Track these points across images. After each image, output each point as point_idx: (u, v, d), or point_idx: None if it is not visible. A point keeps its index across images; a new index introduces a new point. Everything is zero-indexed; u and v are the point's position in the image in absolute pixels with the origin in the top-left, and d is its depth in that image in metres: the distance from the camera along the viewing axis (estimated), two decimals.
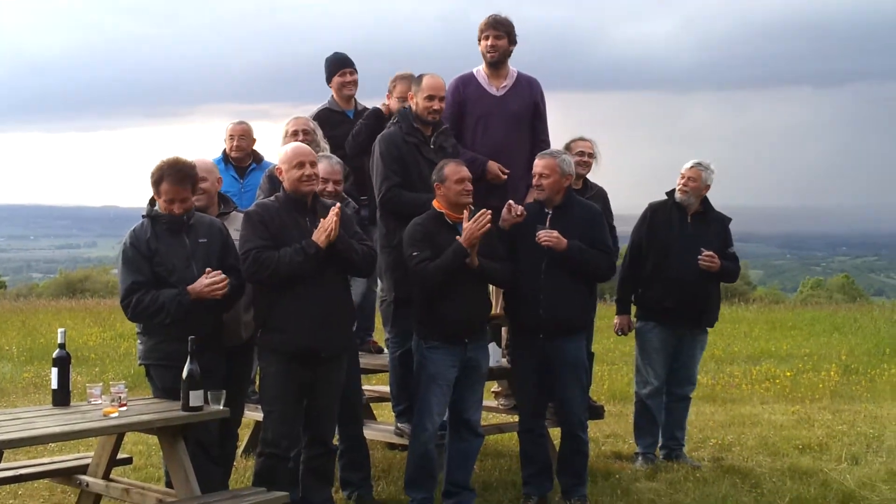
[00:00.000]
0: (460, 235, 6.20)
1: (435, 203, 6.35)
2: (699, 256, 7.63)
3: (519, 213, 6.60)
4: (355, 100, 8.29)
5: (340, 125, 7.96)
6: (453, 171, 6.28)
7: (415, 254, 6.20)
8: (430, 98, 6.69)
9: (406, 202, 6.57)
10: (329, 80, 8.28)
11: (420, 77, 6.79)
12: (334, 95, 8.26)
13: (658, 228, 7.83)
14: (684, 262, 7.65)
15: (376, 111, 7.72)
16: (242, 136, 8.34)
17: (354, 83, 8.24)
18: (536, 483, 6.79)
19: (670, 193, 7.88)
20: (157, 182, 5.75)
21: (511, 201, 6.69)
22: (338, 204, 5.81)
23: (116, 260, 5.92)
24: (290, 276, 5.72)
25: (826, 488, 7.12)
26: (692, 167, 7.80)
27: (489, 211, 6.18)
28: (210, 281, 5.63)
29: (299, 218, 5.87)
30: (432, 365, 6.30)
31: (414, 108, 6.78)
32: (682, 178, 7.79)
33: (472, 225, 6.12)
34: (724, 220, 7.98)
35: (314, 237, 5.73)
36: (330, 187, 6.49)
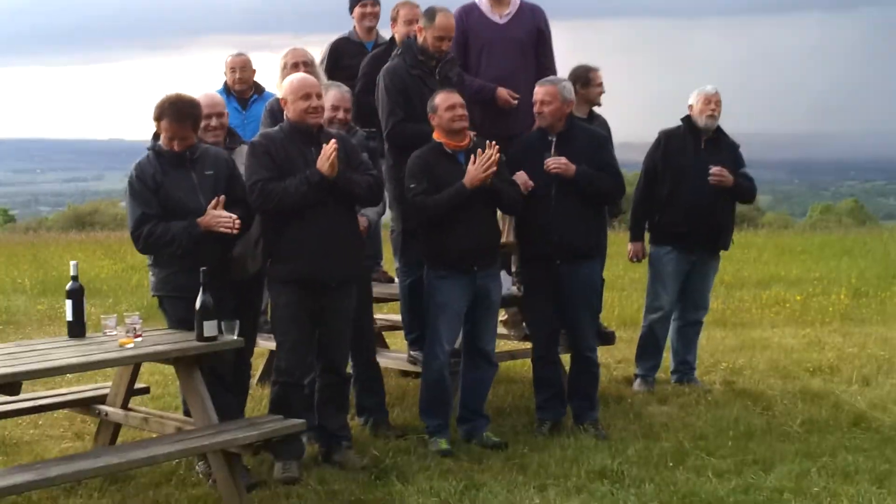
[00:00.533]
0: (460, 164, 6.21)
1: (434, 134, 6.33)
2: (709, 173, 7.61)
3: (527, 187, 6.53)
4: (377, 31, 8.20)
5: (357, 56, 7.86)
6: (443, 99, 6.25)
7: (412, 186, 6.21)
8: (440, 38, 6.63)
9: (410, 135, 6.54)
10: (351, 10, 8.21)
11: (432, 12, 6.66)
12: (355, 26, 8.18)
13: (672, 154, 7.79)
14: (699, 186, 7.64)
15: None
16: (244, 68, 8.29)
17: (375, 15, 8.14)
18: (550, 408, 6.85)
19: (686, 119, 7.84)
20: (157, 118, 5.73)
21: (523, 174, 6.57)
22: (333, 140, 5.75)
23: (124, 193, 5.91)
24: (296, 205, 5.73)
25: (837, 410, 7.17)
26: (716, 92, 7.80)
27: (496, 150, 6.15)
28: (216, 213, 5.63)
29: (304, 148, 5.84)
30: (440, 294, 6.33)
31: (420, 41, 6.70)
32: (710, 102, 7.74)
33: (478, 168, 6.11)
34: (734, 145, 7.96)
35: (317, 165, 5.71)
36: (340, 115, 6.45)
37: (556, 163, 6.47)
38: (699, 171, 7.65)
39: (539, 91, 6.64)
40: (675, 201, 7.74)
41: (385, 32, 8.19)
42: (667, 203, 7.79)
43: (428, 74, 6.66)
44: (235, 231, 5.65)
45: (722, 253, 8.12)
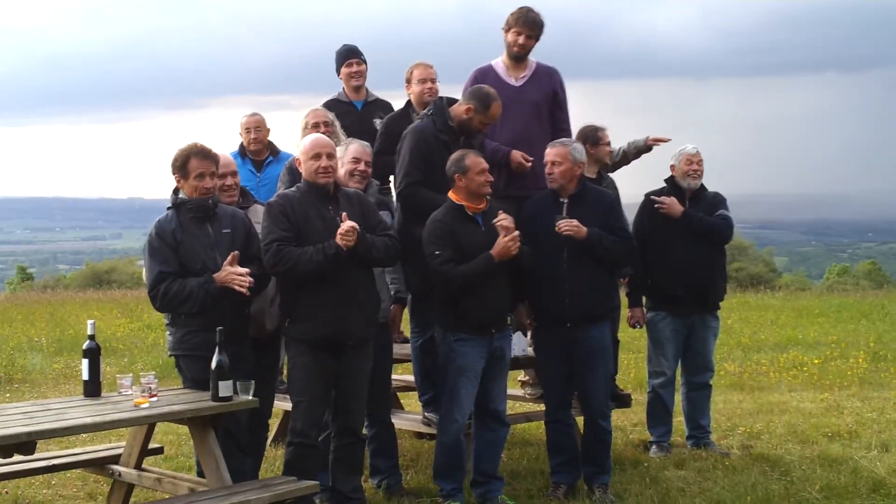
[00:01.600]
0: (480, 227, 6.24)
1: (452, 195, 6.33)
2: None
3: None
4: (367, 90, 8.29)
5: (347, 115, 7.94)
6: (475, 162, 6.26)
7: (437, 252, 6.17)
8: (486, 125, 6.70)
9: (423, 201, 6.52)
10: (338, 72, 8.32)
11: (487, 100, 6.60)
12: (344, 86, 8.28)
13: (659, 217, 7.77)
14: (688, 246, 7.66)
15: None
16: (258, 128, 8.40)
17: (361, 74, 8.24)
18: (564, 472, 6.79)
19: (669, 181, 7.88)
20: (183, 164, 5.84)
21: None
22: (349, 223, 5.76)
23: (143, 251, 5.97)
24: (309, 274, 5.75)
25: (856, 476, 7.08)
26: (697, 151, 7.85)
27: (517, 234, 6.18)
28: (232, 269, 5.67)
29: (321, 208, 5.89)
30: (461, 357, 6.29)
31: (464, 116, 6.63)
32: (692, 163, 7.78)
33: (508, 242, 6.13)
34: (717, 196, 7.96)
35: (336, 238, 5.73)
36: (361, 167, 6.51)
37: (567, 225, 6.48)
38: (686, 231, 7.68)
39: (550, 152, 6.68)
40: (666, 264, 7.72)
41: (384, 93, 8.36)
42: (658, 267, 7.77)
43: (454, 141, 6.65)
44: (246, 291, 5.69)
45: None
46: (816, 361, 13.21)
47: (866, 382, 11.89)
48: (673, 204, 7.31)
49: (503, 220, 6.18)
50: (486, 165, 6.28)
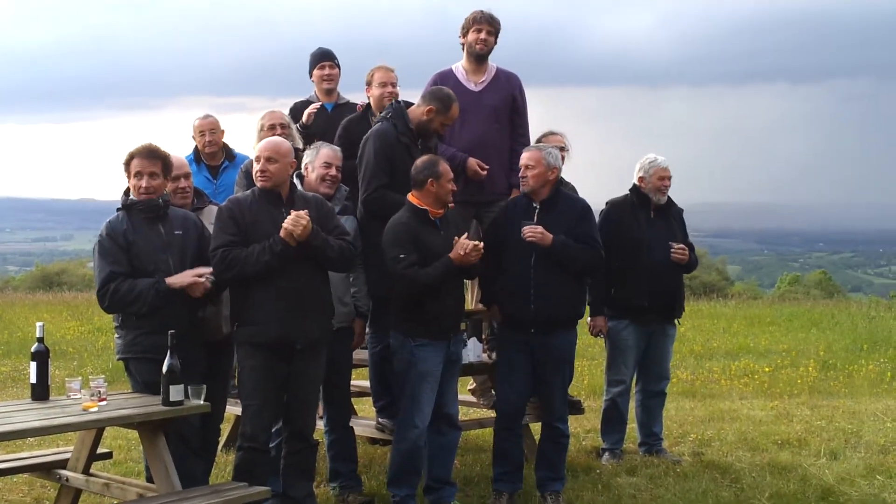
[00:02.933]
0: (440, 232, 6.24)
1: (414, 199, 6.30)
2: (671, 251, 7.66)
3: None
4: (338, 93, 8.27)
5: (317, 117, 7.92)
6: (447, 169, 6.29)
7: (402, 256, 6.14)
8: (444, 126, 6.72)
9: (391, 203, 6.49)
10: (311, 74, 8.29)
11: (448, 101, 6.65)
12: (315, 89, 8.25)
13: (625, 226, 7.77)
14: (654, 257, 7.67)
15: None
16: (213, 130, 8.23)
17: (332, 77, 8.22)
18: (508, 480, 6.78)
19: (634, 189, 7.85)
20: (127, 163, 5.82)
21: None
22: (305, 211, 5.74)
23: (93, 252, 5.90)
24: (258, 273, 5.70)
25: (805, 483, 7.16)
26: (668, 166, 7.81)
27: (479, 246, 6.18)
28: (189, 271, 5.66)
29: (273, 211, 5.83)
30: (423, 362, 6.26)
31: (424, 118, 6.65)
32: (663, 179, 7.76)
33: (471, 253, 6.13)
34: (680, 211, 8.02)
35: (281, 233, 5.70)
36: (332, 172, 6.51)
37: (532, 231, 6.46)
38: (653, 241, 7.70)
39: (524, 156, 6.68)
40: (632, 275, 7.68)
41: (347, 95, 8.32)
42: (623, 276, 7.70)
43: (413, 143, 6.65)
44: (207, 285, 5.66)
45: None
46: (767, 369, 13.35)
47: (816, 391, 12.03)
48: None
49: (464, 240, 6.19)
50: (451, 174, 6.31)
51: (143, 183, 5.76)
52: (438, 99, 6.66)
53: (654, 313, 7.80)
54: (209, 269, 5.73)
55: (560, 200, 6.72)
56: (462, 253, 6.11)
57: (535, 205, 6.65)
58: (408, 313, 6.30)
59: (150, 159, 5.78)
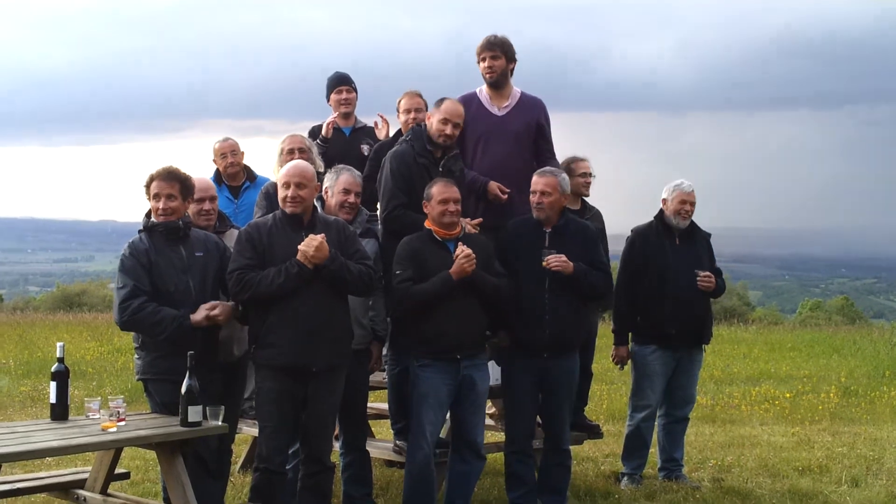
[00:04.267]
0: (450, 253, 6.23)
1: (426, 221, 6.36)
2: (698, 279, 7.63)
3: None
4: (355, 117, 8.31)
5: (334, 141, 7.97)
6: (438, 191, 6.29)
7: (398, 272, 6.20)
8: (445, 122, 6.68)
9: (410, 222, 6.54)
10: (328, 98, 8.33)
11: (441, 100, 6.78)
12: (333, 113, 8.29)
13: (650, 253, 7.73)
14: (681, 284, 7.62)
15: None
16: (234, 153, 8.33)
17: (349, 101, 8.26)
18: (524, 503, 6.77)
19: (659, 216, 7.83)
20: (147, 185, 5.86)
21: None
22: (322, 235, 5.76)
23: (115, 273, 5.92)
24: (272, 295, 5.72)
25: None
26: (692, 191, 7.78)
27: (471, 254, 6.17)
28: (211, 313, 5.71)
29: (293, 234, 5.84)
30: (423, 383, 6.27)
31: (428, 128, 6.77)
32: (685, 203, 7.72)
33: (463, 262, 6.12)
34: (706, 236, 7.98)
35: (298, 256, 5.72)
36: (351, 198, 6.52)
37: (557, 261, 6.48)
38: (680, 268, 7.66)
39: (539, 181, 6.67)
40: (659, 302, 7.64)
41: (364, 119, 8.37)
42: (650, 303, 7.69)
43: (433, 164, 6.69)
44: (221, 321, 5.72)
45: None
46: (788, 395, 13.26)
47: (837, 417, 11.94)
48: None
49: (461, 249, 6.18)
50: (450, 196, 6.27)
51: (161, 205, 5.79)
52: (435, 104, 6.77)
53: (682, 340, 7.75)
54: (221, 306, 5.76)
55: (570, 226, 6.73)
56: (464, 264, 6.10)
57: (545, 229, 6.65)
58: (412, 334, 6.32)
59: (169, 181, 5.81)
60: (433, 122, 6.72)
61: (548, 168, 6.89)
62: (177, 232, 5.82)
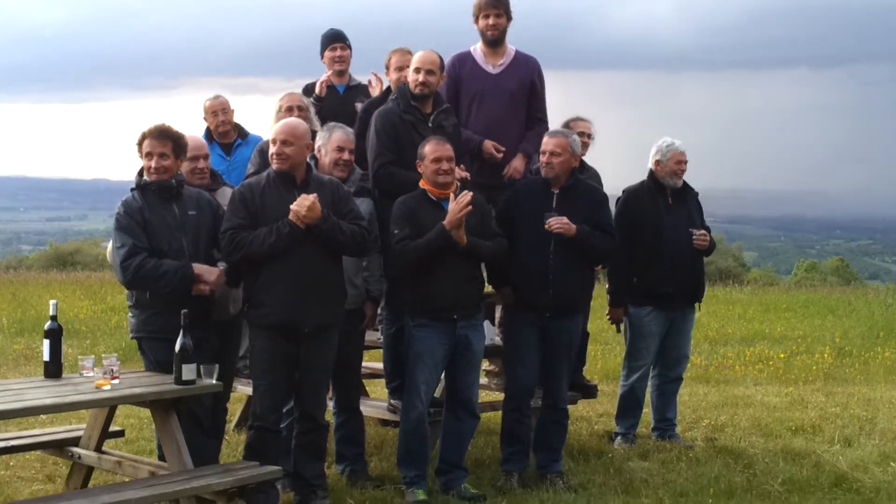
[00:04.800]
0: (445, 211, 6.19)
1: (420, 181, 6.32)
2: (693, 237, 7.61)
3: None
4: (350, 75, 8.24)
5: (328, 99, 7.92)
6: (431, 149, 6.25)
7: (395, 231, 6.18)
8: (417, 70, 6.62)
9: (399, 180, 6.52)
10: (322, 55, 8.26)
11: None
12: (327, 70, 8.22)
13: (644, 213, 7.72)
14: (677, 244, 7.62)
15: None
16: (224, 111, 8.25)
17: (344, 59, 8.18)
18: (516, 460, 6.81)
19: (650, 175, 7.80)
20: (139, 143, 5.81)
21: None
22: (314, 195, 5.73)
23: (110, 231, 5.90)
24: (264, 255, 5.71)
25: (819, 470, 7.12)
26: (684, 150, 7.75)
27: (469, 193, 6.14)
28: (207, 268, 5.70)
29: (286, 194, 5.81)
30: (419, 343, 6.27)
31: (409, 82, 6.73)
32: (681, 162, 7.70)
33: (454, 207, 6.08)
34: (695, 194, 7.96)
35: (290, 216, 5.69)
36: (345, 156, 6.48)
37: (558, 223, 6.46)
38: (674, 227, 7.65)
39: (550, 142, 6.62)
40: (655, 262, 7.63)
41: (360, 77, 8.30)
42: (645, 264, 7.67)
43: (420, 121, 6.64)
44: (208, 291, 5.72)
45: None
46: (782, 356, 13.29)
47: (831, 377, 12.00)
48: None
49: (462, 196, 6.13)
50: (442, 154, 6.22)
51: (153, 163, 5.75)
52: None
53: (678, 299, 7.76)
54: (212, 282, 5.74)
55: (578, 187, 6.69)
56: (456, 213, 6.05)
57: (553, 190, 6.62)
58: (409, 293, 6.32)
59: (161, 140, 5.76)
60: (409, 72, 6.69)
61: (559, 129, 6.85)
62: (170, 190, 5.78)
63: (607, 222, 6.79)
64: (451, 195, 6.19)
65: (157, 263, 5.61)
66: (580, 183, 6.77)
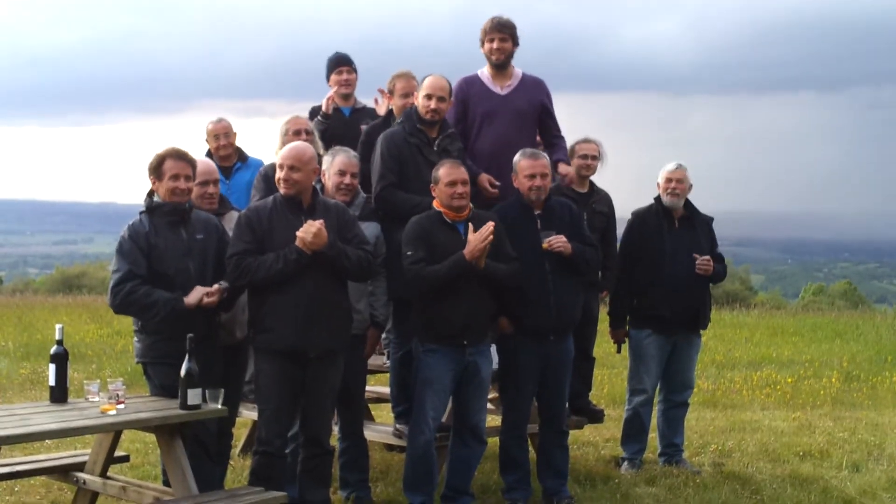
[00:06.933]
0: (459, 234, 6.18)
1: (434, 202, 6.32)
2: (696, 263, 7.60)
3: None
4: (355, 98, 8.27)
5: (334, 122, 7.94)
6: (446, 172, 6.24)
7: (409, 253, 6.15)
8: (428, 97, 6.64)
9: (399, 202, 6.53)
10: (328, 79, 8.28)
11: (425, 77, 6.77)
12: (332, 93, 8.25)
13: (647, 236, 7.73)
14: (677, 267, 7.61)
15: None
16: (227, 134, 8.27)
17: (350, 82, 8.22)
18: (520, 488, 6.77)
19: (657, 199, 7.81)
20: (158, 165, 5.80)
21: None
22: (320, 221, 5.73)
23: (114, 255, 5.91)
24: (270, 281, 5.70)
25: (827, 496, 7.08)
26: (677, 168, 7.75)
27: (492, 223, 6.11)
28: (206, 300, 5.67)
29: (292, 218, 5.82)
30: (428, 369, 6.25)
31: (417, 107, 6.74)
32: (669, 181, 7.71)
33: (476, 238, 6.06)
34: (708, 221, 7.95)
35: (297, 242, 5.68)
36: (347, 180, 6.47)
37: (558, 242, 6.48)
38: (676, 252, 7.64)
39: (537, 165, 6.59)
40: (655, 285, 7.63)
41: (368, 99, 8.30)
42: (646, 286, 7.68)
43: (426, 145, 6.65)
44: (214, 302, 5.69)
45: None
46: (790, 380, 13.23)
47: (839, 402, 11.92)
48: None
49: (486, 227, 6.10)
50: (458, 177, 6.22)
51: (181, 185, 5.77)
52: (420, 82, 6.81)
53: (678, 323, 7.74)
54: (216, 289, 5.73)
55: (555, 206, 6.73)
56: (478, 245, 6.04)
57: (536, 212, 6.63)
58: (419, 317, 6.30)
59: (183, 162, 5.80)
60: (419, 99, 6.71)
61: (532, 150, 6.79)
62: (182, 213, 5.79)
63: (588, 234, 6.84)
64: (471, 227, 6.17)
65: (147, 291, 5.61)
66: (556, 202, 6.79)
